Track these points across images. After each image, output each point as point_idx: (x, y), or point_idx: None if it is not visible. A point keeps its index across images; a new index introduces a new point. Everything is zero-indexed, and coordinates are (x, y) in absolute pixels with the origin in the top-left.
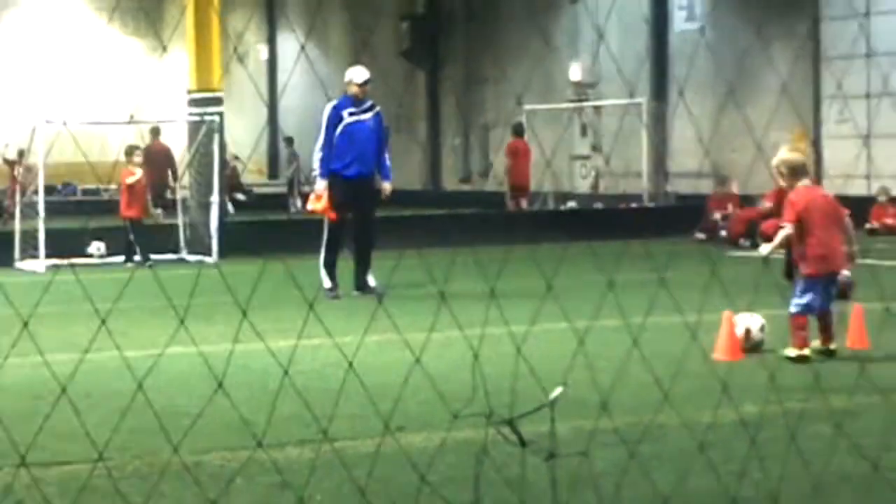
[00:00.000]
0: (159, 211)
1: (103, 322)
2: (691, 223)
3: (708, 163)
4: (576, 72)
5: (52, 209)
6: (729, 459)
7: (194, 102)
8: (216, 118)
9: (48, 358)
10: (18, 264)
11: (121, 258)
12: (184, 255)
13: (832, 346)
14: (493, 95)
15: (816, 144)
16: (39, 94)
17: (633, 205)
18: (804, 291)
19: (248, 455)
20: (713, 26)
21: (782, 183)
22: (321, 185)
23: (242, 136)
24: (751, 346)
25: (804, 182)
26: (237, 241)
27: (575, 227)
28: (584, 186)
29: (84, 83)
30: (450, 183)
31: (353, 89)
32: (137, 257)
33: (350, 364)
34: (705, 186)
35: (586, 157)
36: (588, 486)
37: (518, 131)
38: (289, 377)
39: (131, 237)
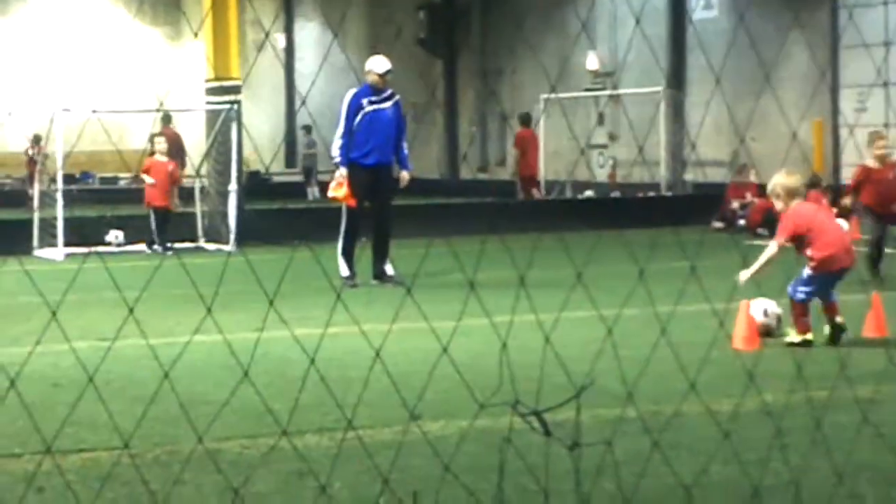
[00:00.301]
0: None
1: (131, 311)
2: (709, 212)
3: (726, 152)
4: (593, 61)
5: (70, 198)
6: (750, 448)
7: (212, 91)
8: (234, 107)
9: (67, 346)
10: (37, 252)
11: (139, 247)
12: (202, 243)
13: (839, 319)
14: (510, 84)
15: (835, 133)
16: (57, 83)
17: (651, 194)
18: (808, 283)
19: (267, 443)
20: (731, 14)
21: (778, 206)
22: (342, 173)
23: (259, 124)
24: (765, 331)
25: (797, 201)
26: (254, 230)
27: (592, 215)
28: (601, 175)
29: (101, 72)
30: (467, 171)
31: (374, 79)
32: (157, 247)
33: (377, 353)
34: (723, 175)
35: (604, 146)
36: (610, 474)
37: (525, 120)
38: (312, 365)
39: (153, 226)
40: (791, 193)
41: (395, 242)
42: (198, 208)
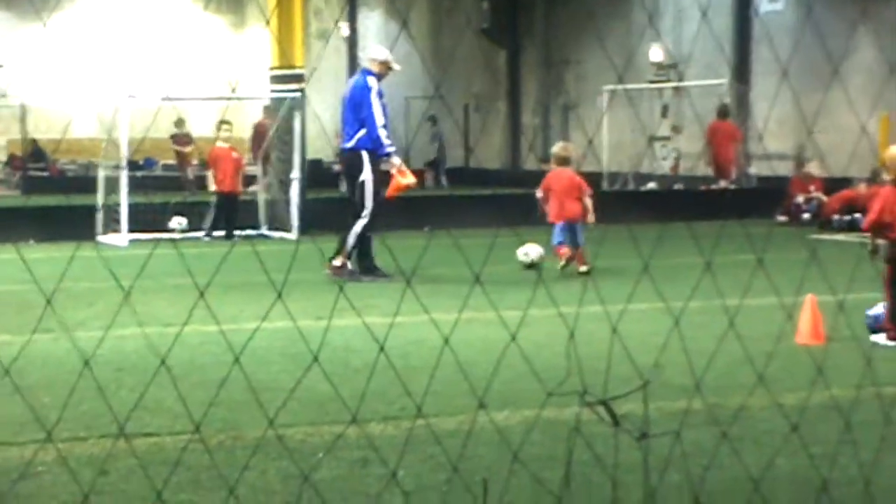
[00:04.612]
0: None
1: (202, 294)
2: (773, 205)
3: (791, 145)
4: (656, 53)
5: (133, 184)
6: (817, 443)
7: (276, 79)
8: (298, 95)
9: (130, 331)
10: (100, 238)
11: (201, 233)
12: (264, 230)
13: (583, 268)
14: (573, 75)
15: None
16: (122, 71)
17: (714, 186)
18: (555, 232)
19: (330, 430)
20: (797, 8)
21: (553, 165)
22: (399, 160)
23: (322, 112)
24: (529, 265)
25: (558, 167)
26: (317, 218)
27: (654, 207)
28: (664, 168)
29: (165, 59)
30: (529, 162)
31: (382, 68)
32: (206, 237)
33: (446, 341)
34: (788, 169)
35: (667, 139)
36: (676, 467)
37: (721, 113)
38: (381, 353)
39: (214, 210)
40: (558, 160)
41: (458, 232)
42: (260, 196)
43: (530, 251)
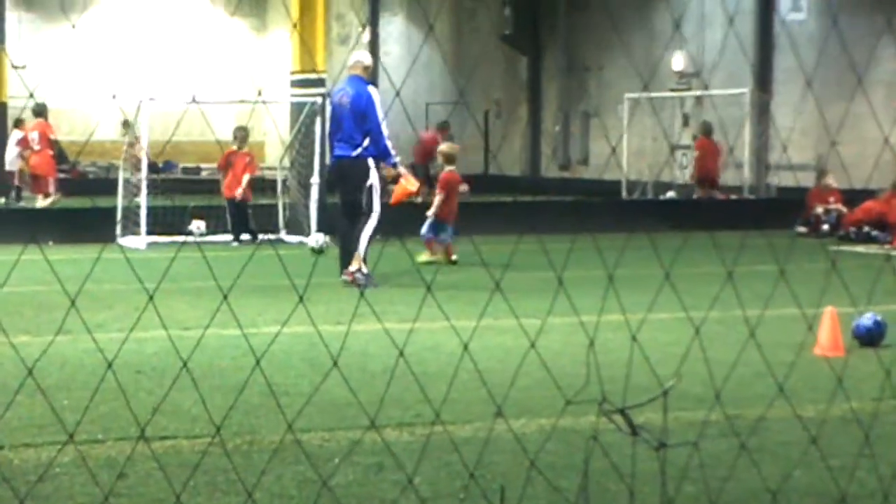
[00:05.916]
0: None
1: (225, 297)
2: (793, 216)
3: (811, 155)
4: (678, 61)
5: (153, 187)
6: (835, 455)
7: (297, 84)
8: (319, 100)
9: (149, 334)
10: (120, 240)
11: (224, 237)
12: (283, 235)
13: (454, 257)
14: (594, 83)
15: None
16: (143, 73)
17: (733, 196)
18: (440, 229)
19: (346, 436)
20: (819, 17)
21: (446, 165)
22: (404, 169)
23: None
24: (318, 250)
25: (451, 167)
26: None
27: (673, 216)
28: (684, 176)
29: (186, 63)
30: (549, 170)
31: (367, 73)
32: (234, 242)
33: (465, 346)
34: (809, 179)
35: (687, 147)
36: (693, 477)
37: (705, 131)
38: (401, 358)
39: (229, 217)
40: (448, 159)
41: (478, 239)
42: (279, 200)
43: (318, 238)
